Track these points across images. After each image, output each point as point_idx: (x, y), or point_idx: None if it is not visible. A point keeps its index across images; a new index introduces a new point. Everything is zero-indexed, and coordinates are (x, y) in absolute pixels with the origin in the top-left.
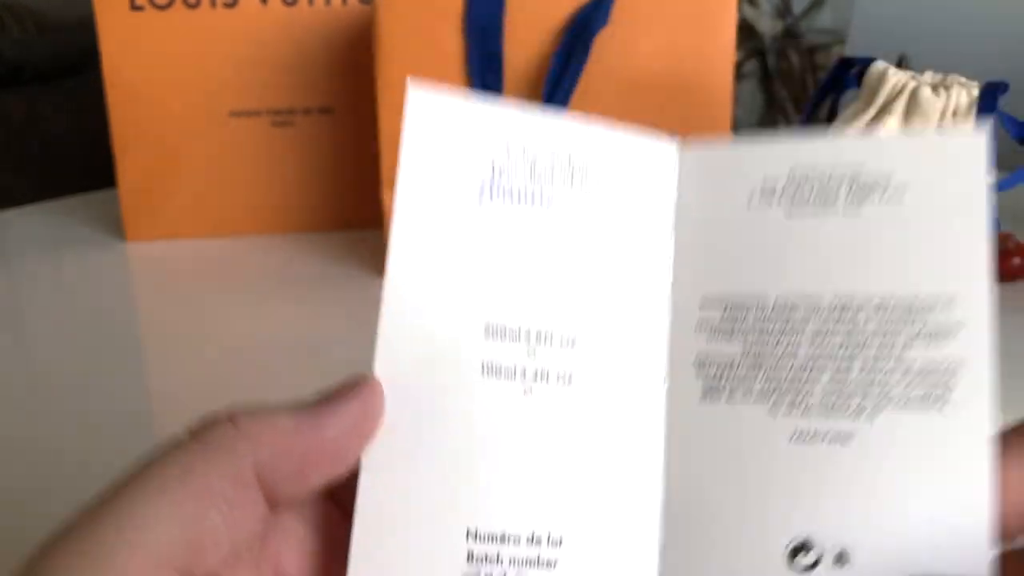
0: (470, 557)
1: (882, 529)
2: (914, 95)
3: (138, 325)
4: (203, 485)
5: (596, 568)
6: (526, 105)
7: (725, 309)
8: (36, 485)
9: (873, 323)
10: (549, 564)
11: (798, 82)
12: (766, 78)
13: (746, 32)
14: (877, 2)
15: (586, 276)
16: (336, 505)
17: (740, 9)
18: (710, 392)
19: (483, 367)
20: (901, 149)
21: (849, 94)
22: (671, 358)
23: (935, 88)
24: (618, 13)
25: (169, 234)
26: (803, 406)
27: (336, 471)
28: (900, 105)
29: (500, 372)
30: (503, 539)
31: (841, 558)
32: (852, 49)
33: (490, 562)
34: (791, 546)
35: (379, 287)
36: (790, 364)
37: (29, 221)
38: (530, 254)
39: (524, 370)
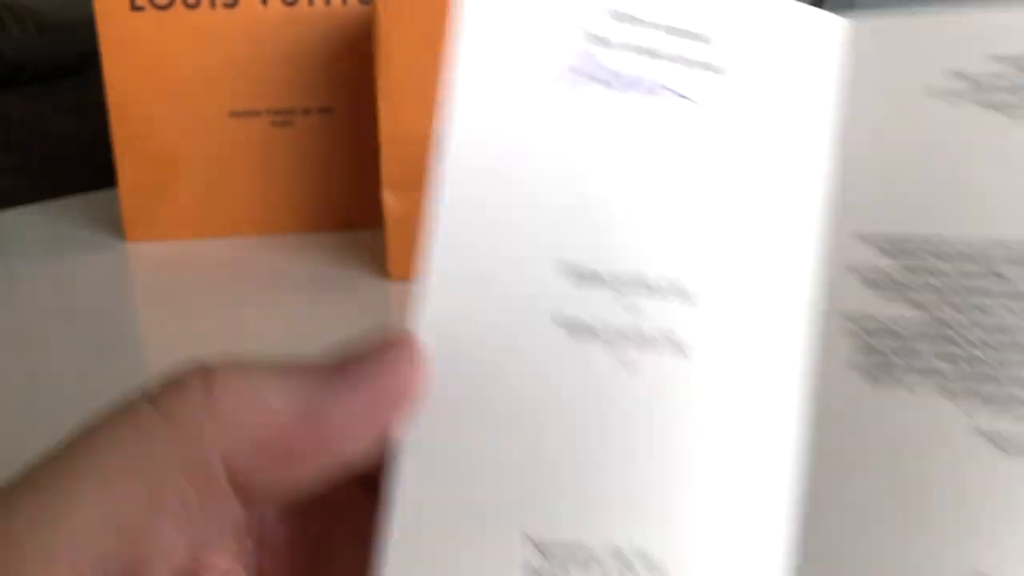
0: (529, 570)
1: None
2: None
3: (138, 325)
4: (154, 478)
5: None
6: None
7: (896, 255)
8: None
9: None
10: None
11: None
12: None
13: None
14: (877, 2)
15: (711, 201)
16: (334, 497)
17: None
18: (874, 371)
19: (566, 326)
20: None
21: None
22: (821, 323)
23: None
24: None
25: (169, 234)
26: (1001, 401)
27: (340, 464)
28: None
29: (589, 334)
30: (575, 554)
31: None
32: None
33: None
34: None
35: (379, 287)
36: (981, 338)
37: (29, 221)
38: (635, 166)
39: (622, 332)
